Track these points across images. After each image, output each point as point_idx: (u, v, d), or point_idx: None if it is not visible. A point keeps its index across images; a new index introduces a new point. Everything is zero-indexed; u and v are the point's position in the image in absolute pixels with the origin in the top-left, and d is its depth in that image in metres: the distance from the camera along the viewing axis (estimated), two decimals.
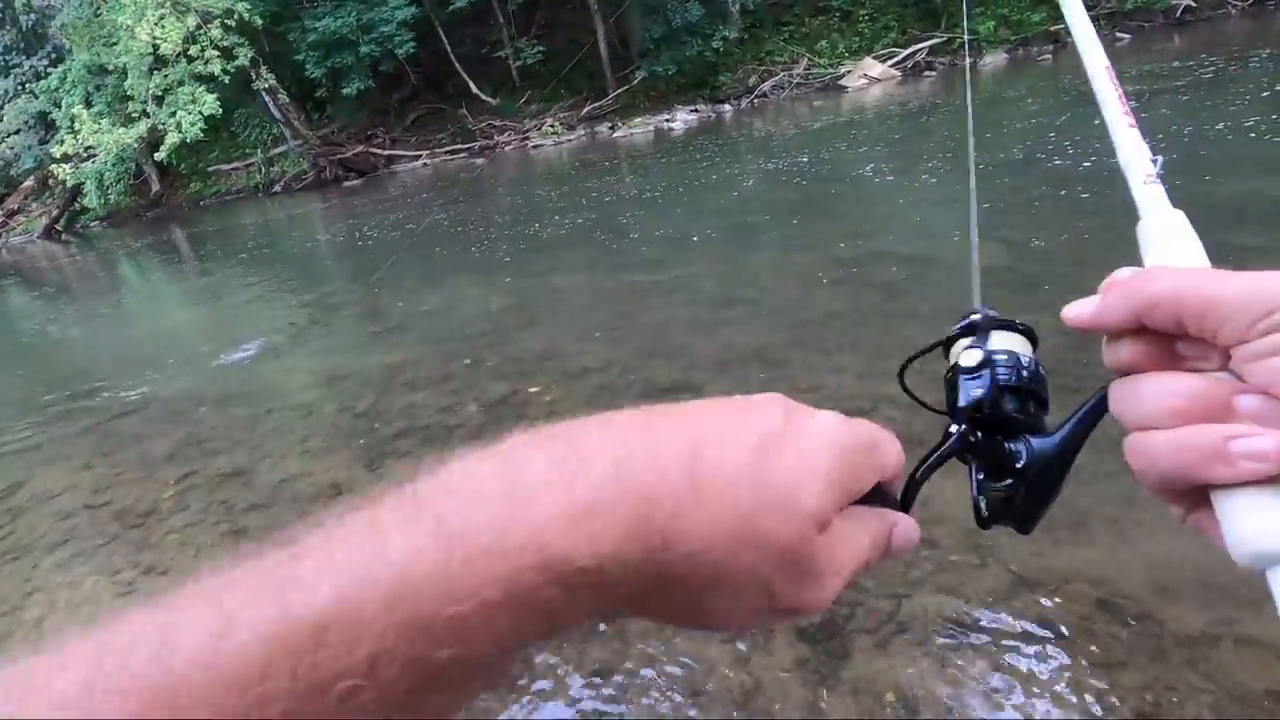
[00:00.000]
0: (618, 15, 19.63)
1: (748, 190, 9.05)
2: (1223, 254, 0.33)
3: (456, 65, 20.61)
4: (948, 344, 0.44)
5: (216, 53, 17.63)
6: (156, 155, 19.22)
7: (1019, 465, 0.38)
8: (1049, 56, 16.99)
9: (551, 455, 0.28)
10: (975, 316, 0.43)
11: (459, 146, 20.17)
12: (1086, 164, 6.45)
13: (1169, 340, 0.31)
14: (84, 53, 19.38)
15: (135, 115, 18.46)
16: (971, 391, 0.39)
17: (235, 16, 17.55)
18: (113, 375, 5.90)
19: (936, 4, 19.43)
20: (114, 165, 19.68)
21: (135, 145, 19.05)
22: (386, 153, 20.75)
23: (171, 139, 17.99)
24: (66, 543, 3.12)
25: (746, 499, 0.28)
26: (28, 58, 22.77)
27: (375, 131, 21.53)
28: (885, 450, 0.34)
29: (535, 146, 19.06)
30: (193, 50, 17.55)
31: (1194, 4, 17.73)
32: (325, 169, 20.34)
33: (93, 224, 22.34)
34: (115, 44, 18.07)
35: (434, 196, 14.18)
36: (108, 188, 20.35)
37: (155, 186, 23.30)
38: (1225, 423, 0.29)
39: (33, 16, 21.67)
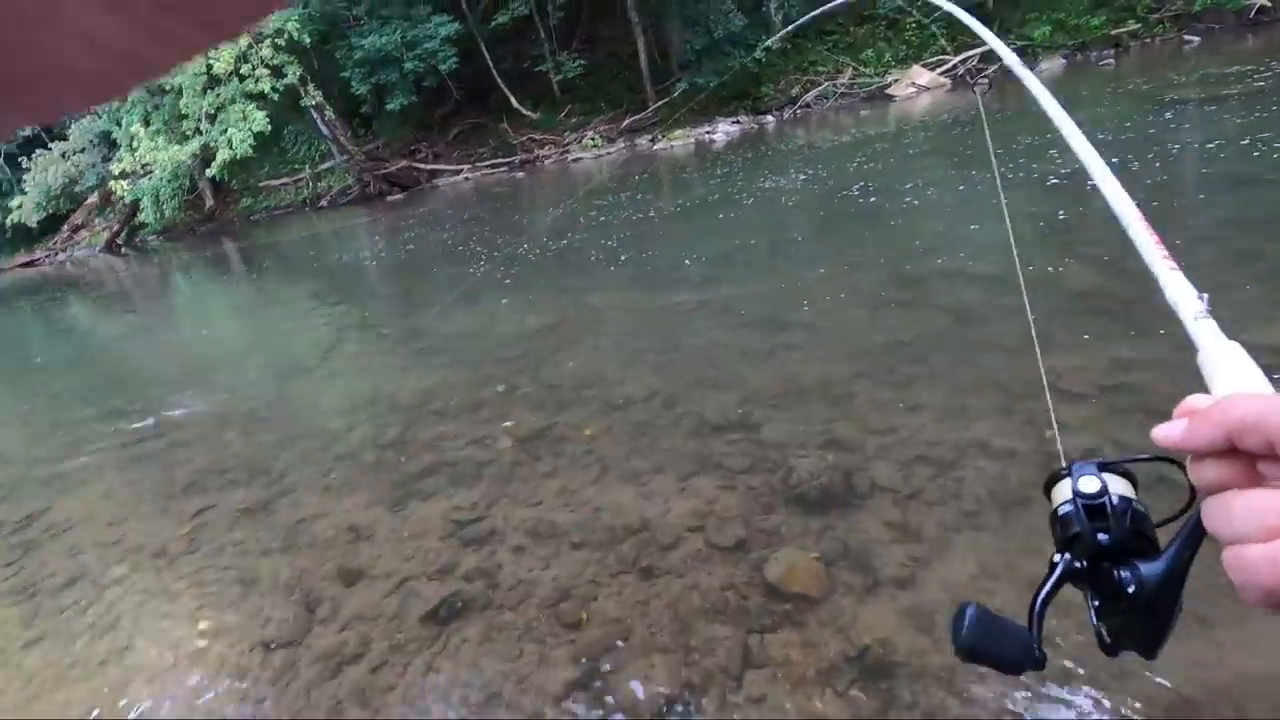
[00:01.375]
0: (658, 28, 19.50)
1: (793, 204, 8.66)
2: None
3: (498, 80, 20.73)
4: (1050, 483, 0.46)
5: (267, 71, 18.08)
6: (209, 171, 19.78)
7: (1130, 591, 0.40)
8: (1111, 61, 16.17)
9: None
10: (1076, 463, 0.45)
11: (499, 160, 20.23)
12: (1149, 180, 5.93)
13: (1252, 460, 0.34)
14: None
15: (189, 133, 19.03)
16: (1082, 521, 0.42)
17: (285, 35, 17.98)
18: (149, 392, 5.83)
19: (988, 9, 18.77)
20: (169, 181, 20.31)
21: (189, 162, 19.63)
22: (429, 167, 20.95)
23: (223, 155, 18.47)
24: (73, 585, 2.93)
25: None
26: None
27: (418, 146, 21.78)
28: None
29: (575, 160, 18.97)
30: (244, 69, 18.03)
31: (1269, 3, 16.68)
32: (369, 184, 20.63)
33: (150, 238, 23.10)
34: None
35: (474, 211, 14.14)
36: (163, 203, 21.00)
37: (208, 202, 24.02)
38: None
39: None
